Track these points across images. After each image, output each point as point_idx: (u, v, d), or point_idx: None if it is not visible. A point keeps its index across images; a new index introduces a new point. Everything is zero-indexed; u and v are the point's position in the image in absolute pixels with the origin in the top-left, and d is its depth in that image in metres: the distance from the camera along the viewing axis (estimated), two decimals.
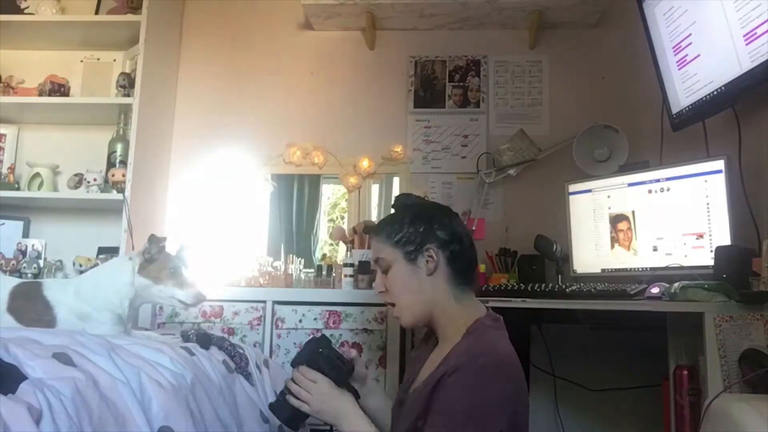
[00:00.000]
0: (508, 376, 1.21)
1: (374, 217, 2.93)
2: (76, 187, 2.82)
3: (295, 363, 1.41)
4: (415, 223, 1.35)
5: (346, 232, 2.81)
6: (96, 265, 2.70)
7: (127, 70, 2.91)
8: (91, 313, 1.69)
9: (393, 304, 1.40)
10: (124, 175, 2.66)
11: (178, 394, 1.24)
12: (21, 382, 0.92)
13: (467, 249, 1.37)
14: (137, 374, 1.17)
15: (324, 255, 2.97)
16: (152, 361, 1.29)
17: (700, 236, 2.06)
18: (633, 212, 2.29)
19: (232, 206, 2.95)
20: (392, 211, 1.46)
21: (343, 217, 3.08)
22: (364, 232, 2.72)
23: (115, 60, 3.06)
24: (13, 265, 2.70)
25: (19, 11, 2.95)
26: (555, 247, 2.50)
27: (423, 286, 1.34)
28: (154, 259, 1.78)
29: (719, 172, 2.02)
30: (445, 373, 1.20)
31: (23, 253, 2.78)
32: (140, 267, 1.77)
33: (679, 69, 2.20)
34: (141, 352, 1.32)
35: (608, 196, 2.37)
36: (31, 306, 1.67)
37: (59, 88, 2.85)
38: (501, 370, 1.20)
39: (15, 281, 1.78)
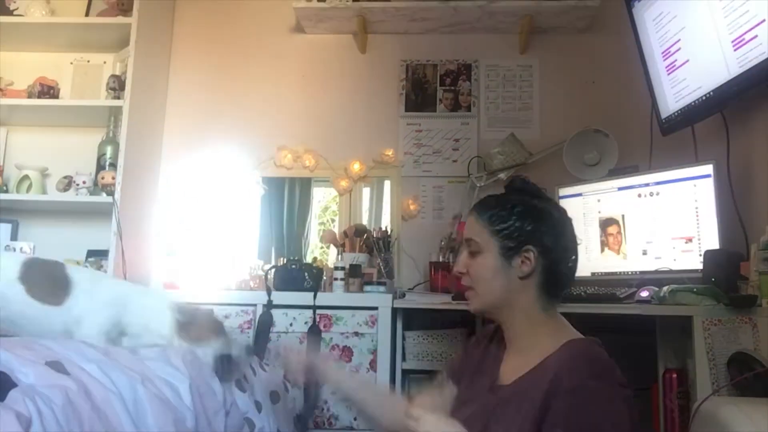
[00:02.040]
0: (627, 394, 1.13)
1: (365, 221, 2.93)
2: (65, 190, 2.81)
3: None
4: (524, 217, 1.22)
5: (337, 236, 2.81)
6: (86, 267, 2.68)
7: (118, 73, 2.89)
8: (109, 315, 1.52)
9: (470, 288, 1.28)
10: (113, 178, 2.64)
11: (176, 408, 1.22)
12: (10, 390, 0.91)
13: (569, 262, 1.25)
14: (133, 386, 1.16)
15: (315, 258, 2.96)
16: (152, 373, 1.27)
17: (689, 240, 2.08)
18: (623, 216, 2.30)
19: (223, 209, 2.94)
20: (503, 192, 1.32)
21: (333, 221, 3.07)
22: (355, 236, 2.72)
23: (105, 62, 3.04)
24: None
25: (9, 13, 2.94)
26: None
27: (511, 285, 1.22)
28: (192, 323, 1.56)
29: (708, 176, 2.04)
30: (559, 382, 1.09)
31: None
32: (178, 328, 1.55)
33: (669, 74, 2.22)
34: (141, 362, 1.30)
35: (598, 200, 2.39)
36: (47, 278, 1.53)
37: (48, 90, 2.83)
38: (620, 385, 1.12)
39: (24, 255, 1.65)
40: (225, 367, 1.44)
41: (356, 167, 2.91)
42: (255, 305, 2.42)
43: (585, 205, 2.42)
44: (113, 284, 1.69)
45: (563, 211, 1.28)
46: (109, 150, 2.76)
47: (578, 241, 1.30)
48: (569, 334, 1.22)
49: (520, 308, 1.23)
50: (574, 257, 1.26)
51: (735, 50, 1.83)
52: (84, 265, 2.70)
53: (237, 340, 1.55)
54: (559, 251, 1.22)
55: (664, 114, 2.28)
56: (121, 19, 2.81)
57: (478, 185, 2.77)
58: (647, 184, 2.24)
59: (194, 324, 1.54)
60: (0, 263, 1.52)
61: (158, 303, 1.58)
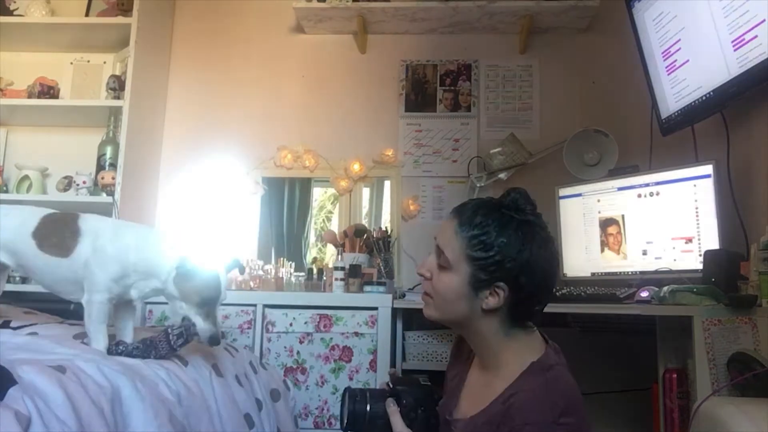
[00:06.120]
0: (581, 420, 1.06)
1: (365, 221, 2.93)
2: (65, 190, 2.81)
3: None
4: (506, 253, 1.10)
5: (337, 236, 2.81)
6: None
7: (118, 73, 2.89)
8: (106, 263, 1.53)
9: (428, 295, 1.20)
10: (113, 178, 2.64)
11: (174, 405, 1.23)
12: (9, 388, 0.91)
13: (542, 298, 1.16)
14: (127, 385, 1.16)
15: (315, 258, 2.96)
16: (146, 372, 1.28)
17: (689, 240, 2.08)
18: (623, 216, 2.30)
19: (223, 209, 2.94)
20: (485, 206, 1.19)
21: (329, 219, 3.07)
22: (355, 236, 2.72)
23: (105, 62, 3.04)
24: None
25: (9, 13, 2.94)
26: None
27: (472, 314, 1.14)
28: (192, 277, 1.56)
29: (708, 176, 2.04)
30: (509, 414, 1.04)
31: None
32: (176, 275, 1.55)
33: (668, 74, 2.22)
34: (136, 363, 1.30)
35: (598, 200, 2.39)
36: (58, 232, 1.58)
37: (48, 90, 2.83)
38: (575, 413, 1.05)
39: (50, 211, 1.67)
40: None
41: (356, 167, 2.91)
42: (255, 305, 2.43)
43: (585, 205, 2.42)
44: (124, 230, 1.67)
45: (552, 244, 1.18)
46: (109, 150, 2.76)
47: (557, 277, 1.20)
48: (533, 353, 1.14)
49: (479, 333, 1.16)
50: (548, 293, 1.17)
51: (735, 50, 1.83)
52: None
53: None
54: (532, 289, 1.12)
55: (664, 114, 2.28)
56: (121, 19, 2.82)
57: (478, 185, 2.77)
58: (647, 184, 2.23)
59: (193, 285, 1.55)
60: (22, 218, 1.62)
61: (161, 246, 1.61)
